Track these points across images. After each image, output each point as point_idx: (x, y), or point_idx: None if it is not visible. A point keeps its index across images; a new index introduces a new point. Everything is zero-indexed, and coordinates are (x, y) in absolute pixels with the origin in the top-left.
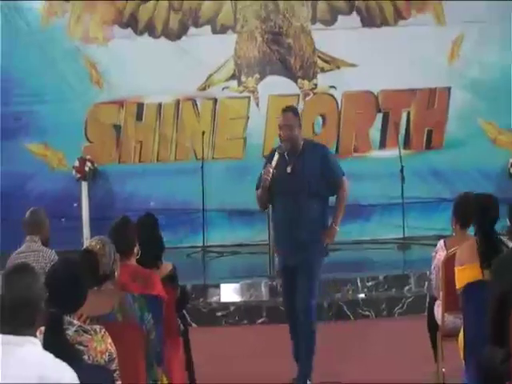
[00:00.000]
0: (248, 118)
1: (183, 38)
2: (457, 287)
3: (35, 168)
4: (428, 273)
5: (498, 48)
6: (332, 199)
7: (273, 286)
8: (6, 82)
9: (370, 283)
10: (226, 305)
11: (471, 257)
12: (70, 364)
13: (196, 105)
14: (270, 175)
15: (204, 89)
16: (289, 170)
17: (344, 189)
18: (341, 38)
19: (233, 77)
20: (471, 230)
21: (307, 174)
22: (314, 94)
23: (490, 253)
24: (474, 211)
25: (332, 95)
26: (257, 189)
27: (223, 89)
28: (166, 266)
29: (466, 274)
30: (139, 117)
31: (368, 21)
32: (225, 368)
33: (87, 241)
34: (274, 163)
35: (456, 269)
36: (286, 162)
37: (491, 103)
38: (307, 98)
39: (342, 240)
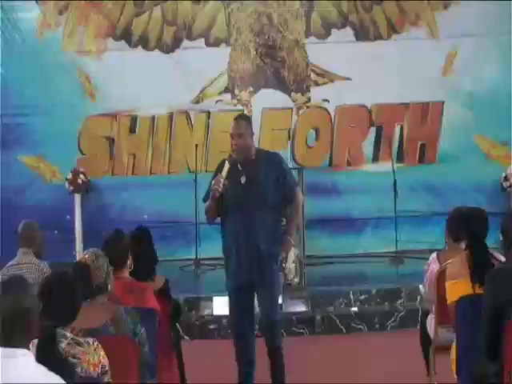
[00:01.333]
0: None
1: (177, 50)
2: (448, 302)
3: (29, 180)
4: (421, 287)
5: (492, 62)
6: None
7: None
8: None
9: (362, 297)
10: (219, 318)
11: (462, 271)
12: (63, 377)
13: (189, 118)
14: (221, 186)
15: (197, 102)
16: (243, 180)
17: (298, 199)
18: (334, 52)
19: (226, 90)
20: None
21: (262, 184)
22: (308, 107)
23: (480, 267)
24: (464, 225)
25: (325, 109)
26: (204, 201)
27: (217, 102)
28: (160, 279)
29: (457, 288)
30: (132, 129)
31: (362, 35)
32: (217, 381)
33: (80, 253)
34: (224, 174)
35: (447, 283)
36: (240, 172)
37: (484, 117)
38: (301, 112)
39: (334, 253)
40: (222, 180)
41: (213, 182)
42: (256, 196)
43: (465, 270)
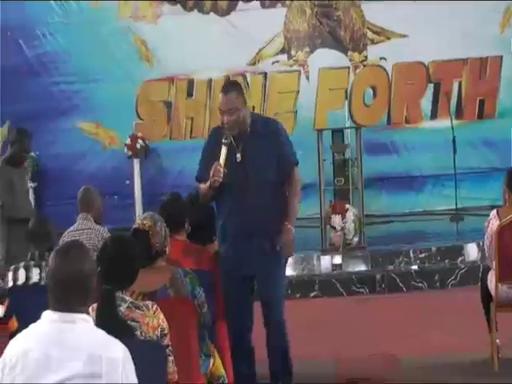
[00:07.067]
0: (298, 91)
1: (232, 13)
2: None
3: (88, 147)
4: (481, 243)
5: None
6: None
7: (325, 259)
8: (58, 62)
9: (422, 255)
10: None
11: None
12: (123, 340)
13: (246, 80)
14: (221, 176)
15: (254, 63)
16: (238, 157)
17: (296, 179)
18: (390, 9)
19: (282, 51)
20: None
21: (259, 160)
22: (365, 66)
23: None
24: None
25: (382, 67)
26: (198, 180)
27: (273, 63)
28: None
29: None
30: (190, 93)
31: None
32: None
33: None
34: (222, 160)
35: None
36: (234, 148)
37: None
38: (357, 70)
39: (393, 212)
40: (221, 169)
41: (211, 172)
42: (253, 174)
43: None
